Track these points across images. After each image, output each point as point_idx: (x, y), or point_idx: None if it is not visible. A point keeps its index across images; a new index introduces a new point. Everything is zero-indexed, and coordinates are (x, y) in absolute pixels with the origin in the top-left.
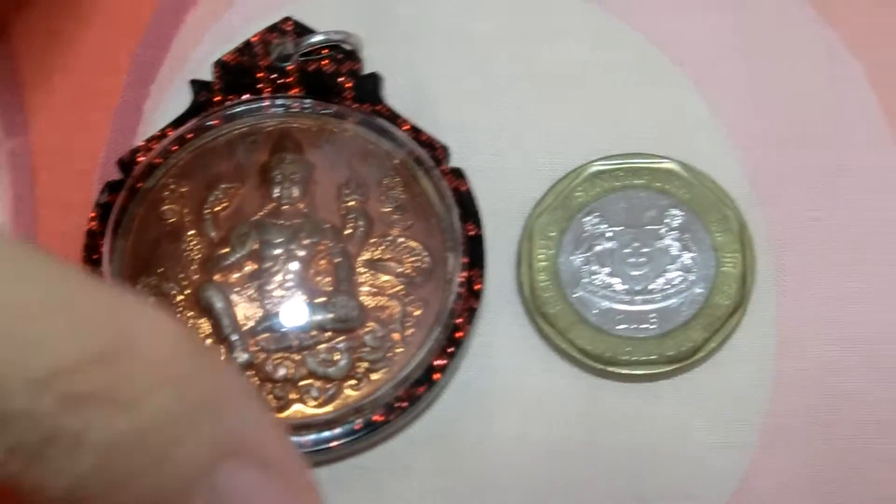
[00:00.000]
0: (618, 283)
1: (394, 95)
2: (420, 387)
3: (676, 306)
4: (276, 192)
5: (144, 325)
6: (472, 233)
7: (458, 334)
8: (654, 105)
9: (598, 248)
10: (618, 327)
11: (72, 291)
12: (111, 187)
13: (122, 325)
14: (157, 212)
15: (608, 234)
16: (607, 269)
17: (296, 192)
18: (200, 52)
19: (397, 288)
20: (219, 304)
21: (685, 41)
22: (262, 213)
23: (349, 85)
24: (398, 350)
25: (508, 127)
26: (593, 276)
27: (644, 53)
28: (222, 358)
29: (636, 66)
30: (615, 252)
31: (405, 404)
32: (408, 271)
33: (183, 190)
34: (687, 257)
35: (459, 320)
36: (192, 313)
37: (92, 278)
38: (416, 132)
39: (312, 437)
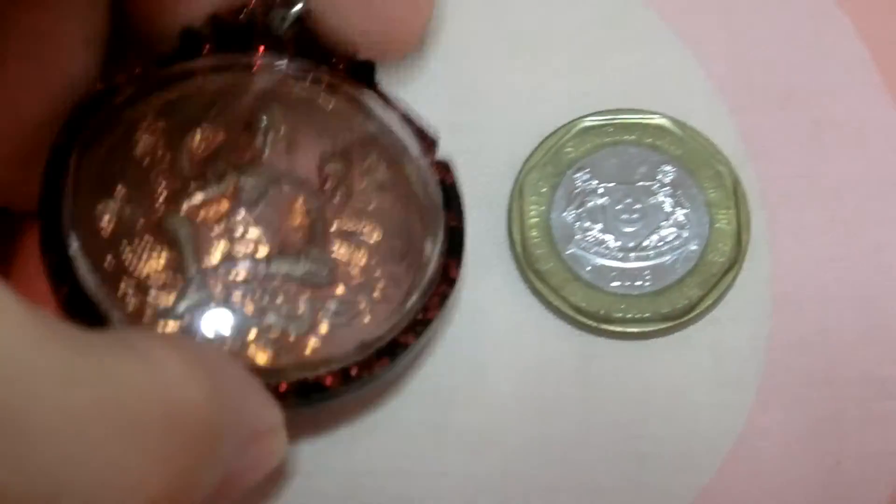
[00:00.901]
0: (611, 240)
1: None
2: (380, 360)
3: (670, 263)
4: (260, 140)
5: (184, 392)
6: (453, 223)
7: (428, 315)
8: (644, 61)
9: (589, 204)
10: (611, 284)
11: (120, 382)
12: (84, 108)
13: (169, 407)
14: (131, 140)
15: (600, 191)
16: (600, 226)
17: (280, 144)
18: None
19: (370, 261)
20: (184, 236)
21: None
22: (243, 159)
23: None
24: (365, 319)
25: (497, 83)
26: (586, 233)
27: (633, 9)
28: (228, 358)
29: (625, 22)
30: (607, 208)
31: (361, 373)
32: (382, 248)
33: (160, 125)
34: (680, 214)
35: (431, 301)
36: (152, 240)
37: (126, 349)
38: (407, 119)
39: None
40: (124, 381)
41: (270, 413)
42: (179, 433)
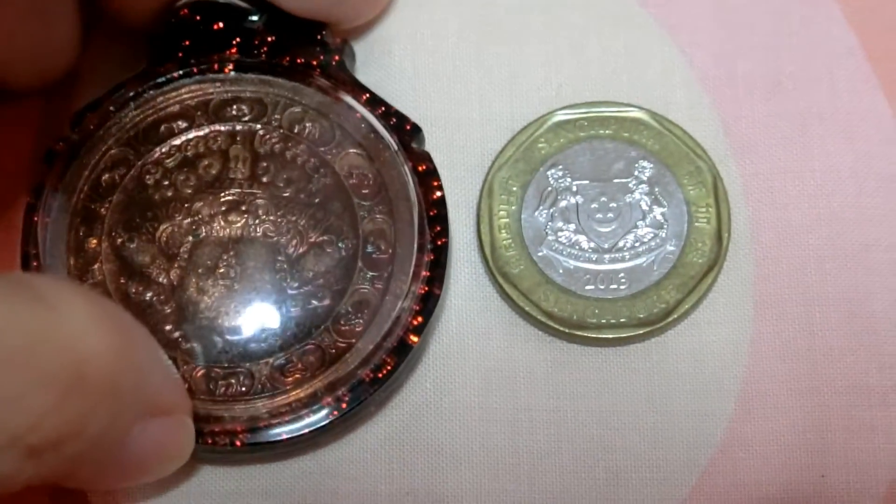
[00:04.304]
0: (584, 241)
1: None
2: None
3: (647, 265)
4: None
5: (88, 342)
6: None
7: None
8: (621, 50)
9: (562, 203)
10: (585, 288)
11: (27, 331)
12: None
13: (72, 356)
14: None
15: (573, 188)
16: (573, 226)
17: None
18: None
19: None
20: None
21: None
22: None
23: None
24: None
25: (465, 75)
26: (558, 234)
27: None
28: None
29: (602, 9)
30: (581, 207)
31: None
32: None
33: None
34: (658, 212)
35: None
36: None
37: (34, 299)
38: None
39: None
40: (27, 329)
41: (176, 393)
42: (75, 381)
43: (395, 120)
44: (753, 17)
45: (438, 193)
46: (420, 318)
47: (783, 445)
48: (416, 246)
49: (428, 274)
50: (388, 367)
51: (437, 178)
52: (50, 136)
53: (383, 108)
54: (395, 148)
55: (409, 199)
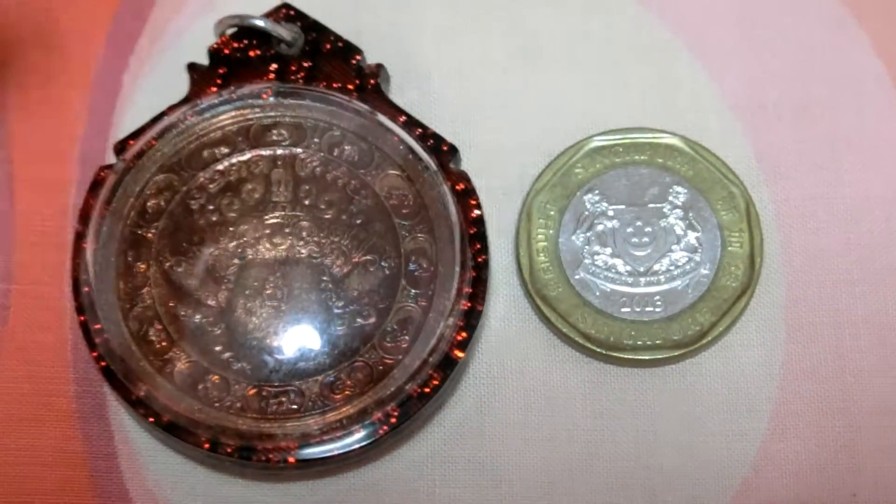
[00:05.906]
0: (620, 264)
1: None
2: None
3: (682, 288)
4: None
5: None
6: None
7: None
8: (657, 78)
9: (599, 227)
10: (621, 310)
11: None
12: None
13: None
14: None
15: (609, 213)
16: (609, 250)
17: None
18: (179, 23)
19: None
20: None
21: (683, 8)
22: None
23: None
24: None
25: (504, 101)
26: (595, 257)
27: (646, 25)
28: None
29: (633, 36)
30: (617, 231)
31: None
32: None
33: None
34: (692, 237)
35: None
36: None
37: None
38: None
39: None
40: None
41: None
42: None
43: (432, 141)
44: (782, 45)
45: (477, 212)
46: (464, 334)
47: (815, 465)
48: (457, 263)
49: (470, 290)
50: (435, 382)
51: (476, 196)
52: (92, 158)
53: (420, 130)
54: (434, 168)
55: (449, 218)
